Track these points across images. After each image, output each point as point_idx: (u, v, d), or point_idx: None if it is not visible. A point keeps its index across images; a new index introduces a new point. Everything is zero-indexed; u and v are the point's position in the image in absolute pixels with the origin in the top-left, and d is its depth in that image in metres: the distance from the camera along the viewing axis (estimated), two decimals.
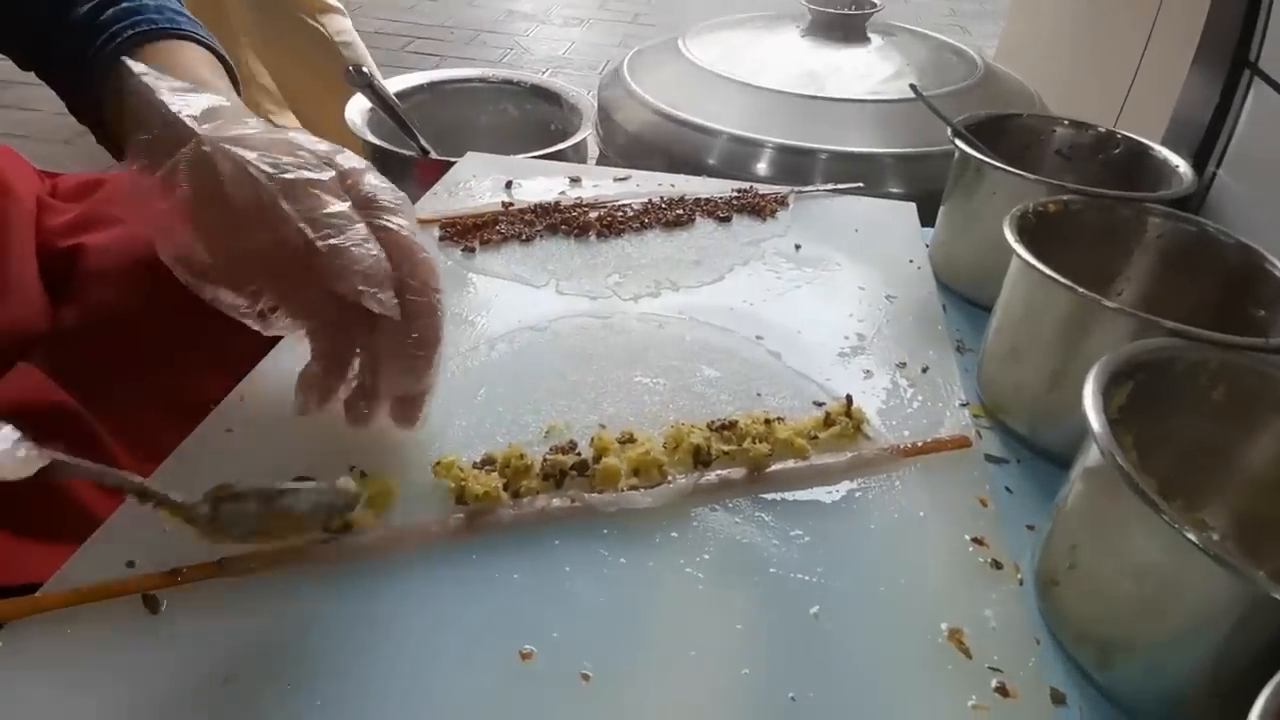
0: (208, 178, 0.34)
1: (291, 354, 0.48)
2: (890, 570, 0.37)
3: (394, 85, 1.15)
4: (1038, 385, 0.46)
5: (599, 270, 0.59)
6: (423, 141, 1.05)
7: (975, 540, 0.39)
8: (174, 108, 0.36)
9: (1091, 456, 0.36)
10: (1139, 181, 0.60)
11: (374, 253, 0.34)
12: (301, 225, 0.33)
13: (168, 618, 0.33)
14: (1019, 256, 0.45)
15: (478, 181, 0.71)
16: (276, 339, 0.49)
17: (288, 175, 0.34)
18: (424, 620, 0.34)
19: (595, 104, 1.13)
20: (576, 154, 1.08)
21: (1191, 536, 0.30)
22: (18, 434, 0.28)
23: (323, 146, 0.37)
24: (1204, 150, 0.69)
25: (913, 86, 0.64)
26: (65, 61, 0.46)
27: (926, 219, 0.69)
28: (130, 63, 0.39)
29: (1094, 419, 0.34)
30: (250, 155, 0.34)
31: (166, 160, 0.35)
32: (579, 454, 0.41)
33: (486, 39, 3.09)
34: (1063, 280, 0.42)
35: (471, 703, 0.31)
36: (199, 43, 0.47)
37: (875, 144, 0.89)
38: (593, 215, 0.65)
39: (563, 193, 0.69)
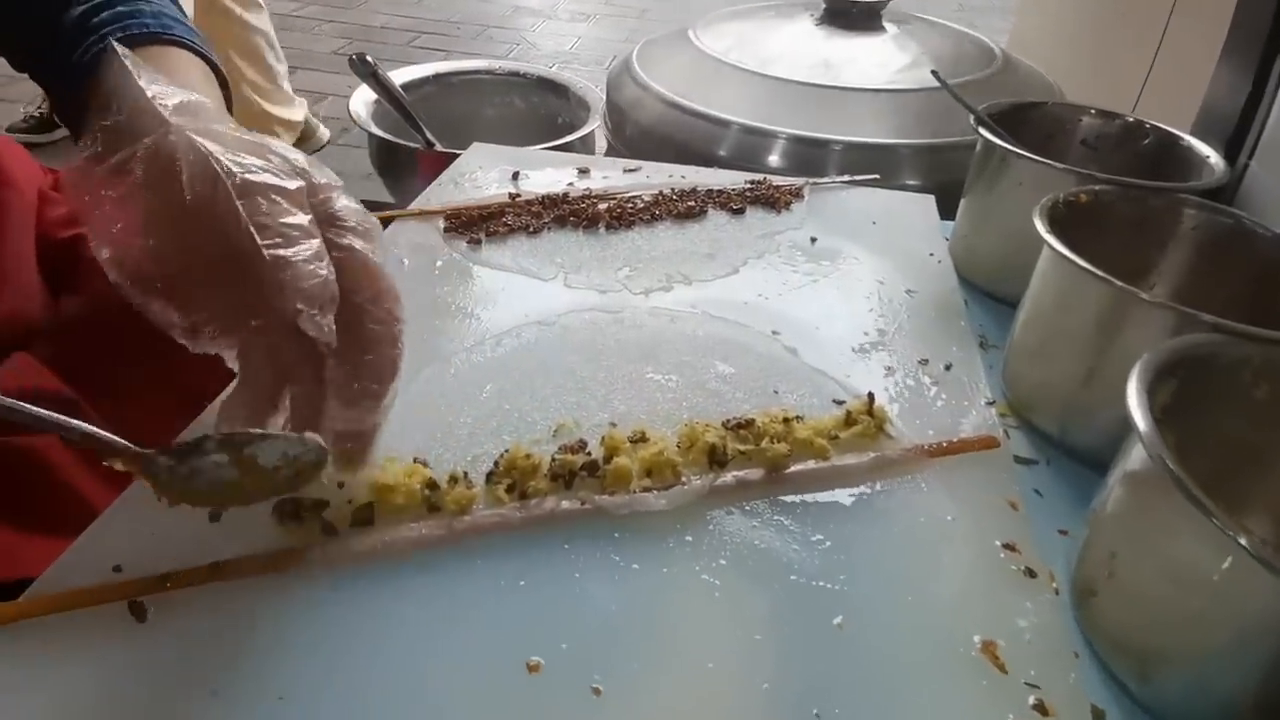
0: (167, 167, 0.31)
1: None
2: (918, 577, 0.35)
3: (400, 77, 1.13)
4: (1069, 383, 0.44)
5: (609, 263, 0.57)
6: (427, 134, 1.04)
7: (1006, 546, 0.37)
8: (149, 93, 0.33)
9: (1134, 459, 0.34)
10: (1168, 173, 0.58)
11: (322, 273, 0.31)
12: (250, 229, 0.30)
13: (155, 626, 0.31)
14: (1051, 248, 0.43)
15: (484, 172, 0.69)
16: None
17: (251, 176, 0.31)
18: (425, 629, 0.32)
19: (603, 96, 1.11)
20: (584, 147, 1.06)
21: (1245, 543, 0.28)
22: None
23: (299, 157, 0.35)
24: (1235, 141, 0.66)
25: (935, 73, 0.62)
26: (56, 63, 0.44)
27: (945, 211, 0.67)
28: (115, 45, 0.37)
29: (1140, 420, 0.32)
30: (216, 149, 0.32)
31: (127, 146, 0.32)
32: (589, 454, 0.40)
33: (493, 34, 3.08)
34: (1098, 273, 0.40)
35: (475, 718, 0.29)
36: (193, 51, 0.45)
37: (891, 135, 0.86)
38: (602, 207, 0.63)
39: (571, 184, 0.68)
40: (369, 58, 0.99)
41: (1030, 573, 0.36)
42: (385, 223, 0.61)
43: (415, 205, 0.63)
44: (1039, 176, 0.53)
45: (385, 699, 0.29)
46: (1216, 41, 0.70)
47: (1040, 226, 0.44)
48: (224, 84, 0.46)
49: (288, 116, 1.83)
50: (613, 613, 0.33)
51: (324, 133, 1.92)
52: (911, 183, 0.86)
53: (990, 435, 0.43)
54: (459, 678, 0.30)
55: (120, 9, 0.44)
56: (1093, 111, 0.64)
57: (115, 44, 0.37)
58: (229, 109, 0.46)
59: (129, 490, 0.37)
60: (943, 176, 0.84)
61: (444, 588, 0.33)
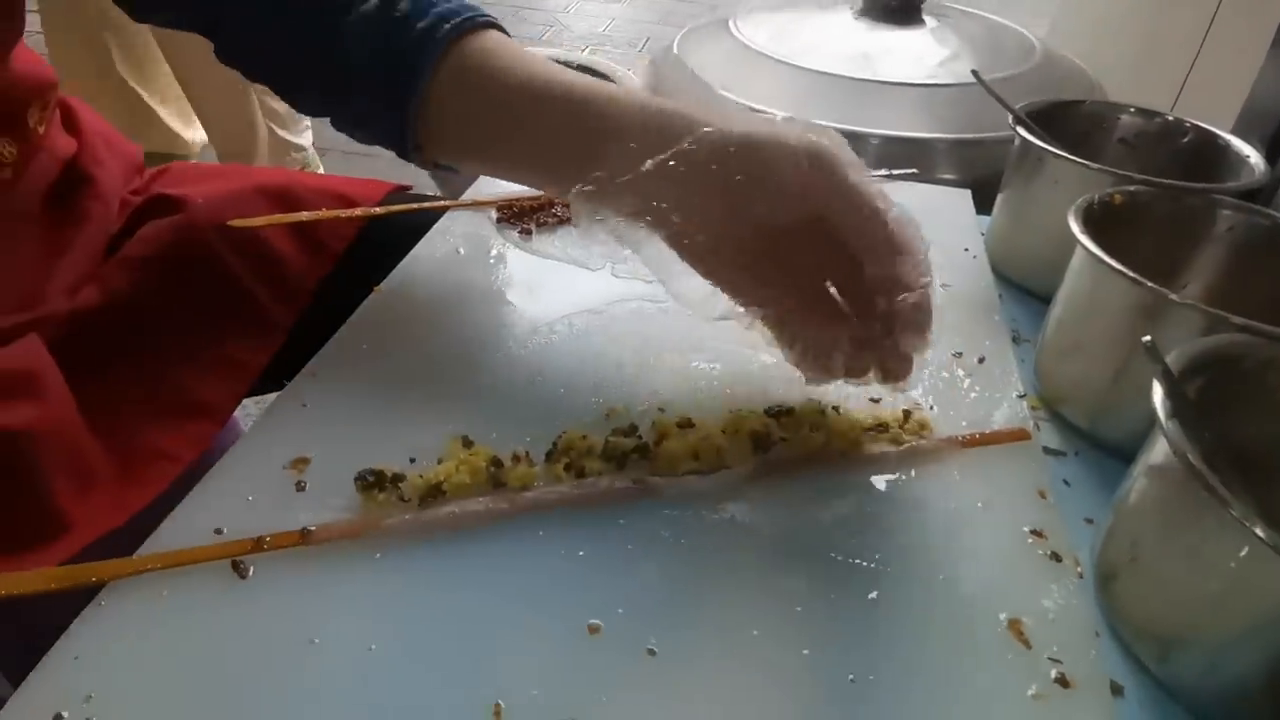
0: (747, 152, 0.37)
1: (355, 335, 0.50)
2: (948, 559, 0.38)
3: None
4: (1100, 380, 0.46)
5: None
6: None
7: (1034, 532, 0.39)
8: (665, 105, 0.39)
9: (1157, 451, 0.36)
10: (1207, 172, 0.59)
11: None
12: (882, 211, 0.37)
13: (255, 583, 0.35)
14: (1084, 248, 0.45)
15: None
16: (289, 354, 0.51)
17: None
18: (495, 593, 0.35)
19: (642, 85, 1.12)
20: None
21: (1261, 533, 0.30)
22: None
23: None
24: (1278, 140, 0.67)
25: (975, 73, 0.64)
26: (361, 60, 0.43)
27: (981, 206, 0.68)
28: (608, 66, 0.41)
29: (1163, 414, 0.34)
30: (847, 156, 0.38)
31: (673, 144, 0.37)
32: (640, 437, 0.42)
33: (526, 15, 3.09)
34: (1129, 273, 0.42)
35: (543, 671, 0.32)
36: (500, 29, 0.46)
37: (928, 129, 0.87)
38: None
39: None
40: None
41: (1056, 557, 0.38)
42: (439, 213, 0.63)
43: (468, 196, 0.66)
44: (1075, 176, 0.54)
45: (461, 649, 0.33)
46: (1265, 37, 0.70)
47: (1074, 226, 0.46)
48: None
49: (299, 141, 1.87)
50: (665, 584, 0.36)
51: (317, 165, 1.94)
52: (948, 177, 0.87)
53: (1021, 428, 0.45)
54: (528, 634, 0.33)
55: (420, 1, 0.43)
56: (1132, 110, 0.65)
57: (594, 62, 0.42)
58: None
59: (225, 458, 0.40)
60: (980, 171, 0.85)
61: (510, 557, 0.37)
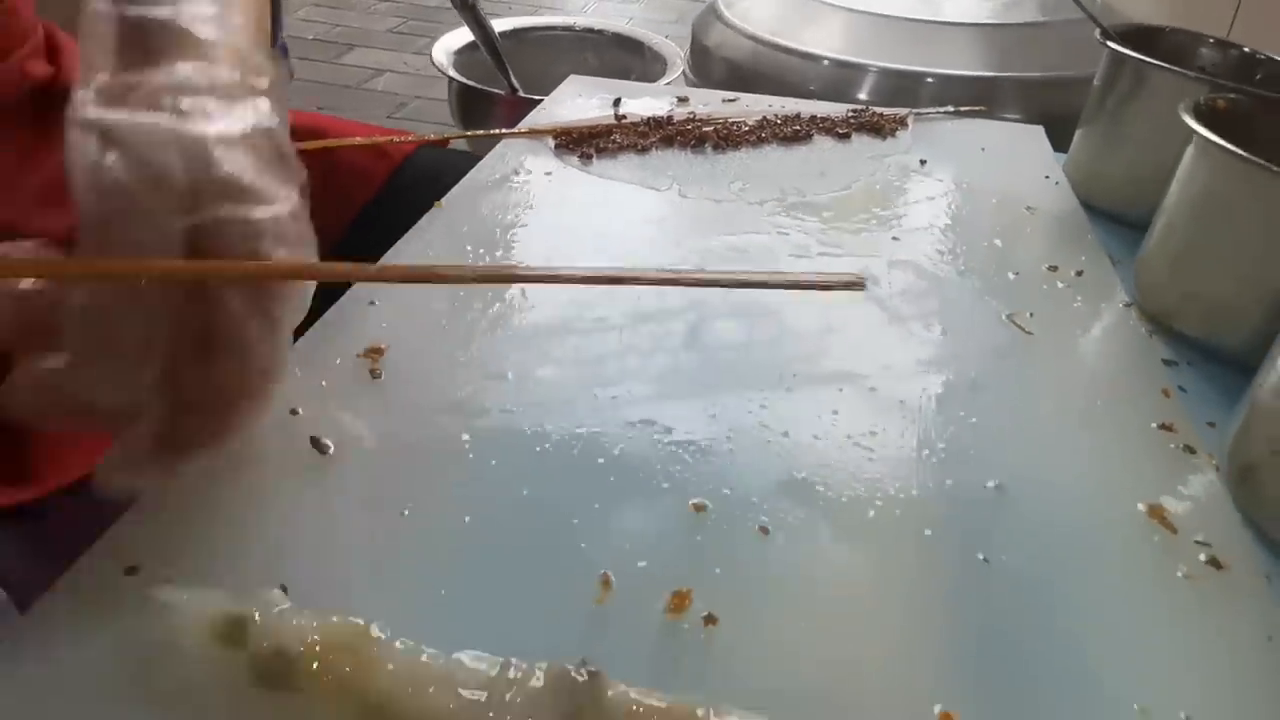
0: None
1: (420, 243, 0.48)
2: (1075, 450, 0.35)
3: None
4: (1220, 284, 0.43)
5: (720, 178, 0.58)
6: (513, 78, 1.05)
7: (1163, 426, 0.37)
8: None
9: None
10: None
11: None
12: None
13: (336, 459, 0.32)
14: (1204, 140, 0.42)
15: (584, 99, 0.70)
16: None
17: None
18: (592, 473, 0.33)
19: (680, 51, 1.11)
20: None
21: None
22: None
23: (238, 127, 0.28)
24: None
25: None
26: None
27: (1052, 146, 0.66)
28: None
29: None
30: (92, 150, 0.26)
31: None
32: None
33: (544, 14, 3.10)
34: (1269, 166, 0.39)
35: (652, 551, 0.30)
36: None
37: (988, 68, 0.85)
38: (707, 129, 0.63)
39: (672, 111, 0.68)
40: None
41: (1189, 449, 0.35)
42: (494, 141, 0.61)
43: (524, 125, 0.64)
44: (1175, 88, 0.52)
45: (557, 534, 0.30)
46: None
47: (1190, 122, 0.43)
48: None
49: None
50: (769, 468, 0.33)
51: None
52: (1010, 117, 0.84)
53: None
54: (634, 520, 0.31)
55: None
56: (1211, 40, 0.62)
57: None
58: None
59: (298, 345, 0.38)
60: (1043, 112, 0.82)
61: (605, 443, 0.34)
